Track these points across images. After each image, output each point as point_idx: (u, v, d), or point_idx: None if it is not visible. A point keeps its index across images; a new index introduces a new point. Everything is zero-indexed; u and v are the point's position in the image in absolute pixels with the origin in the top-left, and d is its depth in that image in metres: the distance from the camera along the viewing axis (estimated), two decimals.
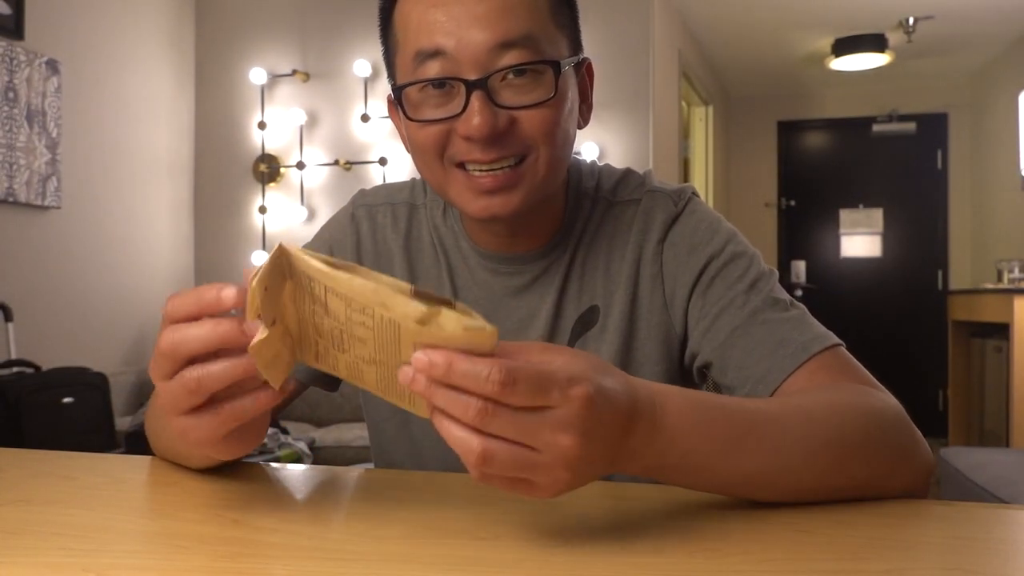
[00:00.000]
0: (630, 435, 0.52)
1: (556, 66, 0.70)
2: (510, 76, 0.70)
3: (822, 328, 0.76)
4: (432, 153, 0.74)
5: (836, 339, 0.75)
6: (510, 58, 0.69)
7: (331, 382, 0.90)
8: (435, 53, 0.70)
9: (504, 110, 0.70)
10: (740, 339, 0.76)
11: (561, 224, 0.85)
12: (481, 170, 0.73)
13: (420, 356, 0.46)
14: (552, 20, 0.73)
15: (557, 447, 0.47)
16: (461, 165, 0.74)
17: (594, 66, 0.83)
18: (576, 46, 0.78)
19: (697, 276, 0.81)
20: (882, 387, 0.72)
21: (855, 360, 0.75)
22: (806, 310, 0.79)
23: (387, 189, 0.94)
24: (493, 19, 0.69)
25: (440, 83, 0.71)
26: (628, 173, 0.89)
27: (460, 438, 0.47)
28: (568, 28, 0.76)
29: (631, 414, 0.51)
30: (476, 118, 0.69)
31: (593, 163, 0.91)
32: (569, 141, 0.77)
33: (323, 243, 0.93)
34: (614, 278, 0.84)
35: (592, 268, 0.85)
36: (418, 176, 0.88)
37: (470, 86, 0.69)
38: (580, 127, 0.81)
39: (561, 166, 0.77)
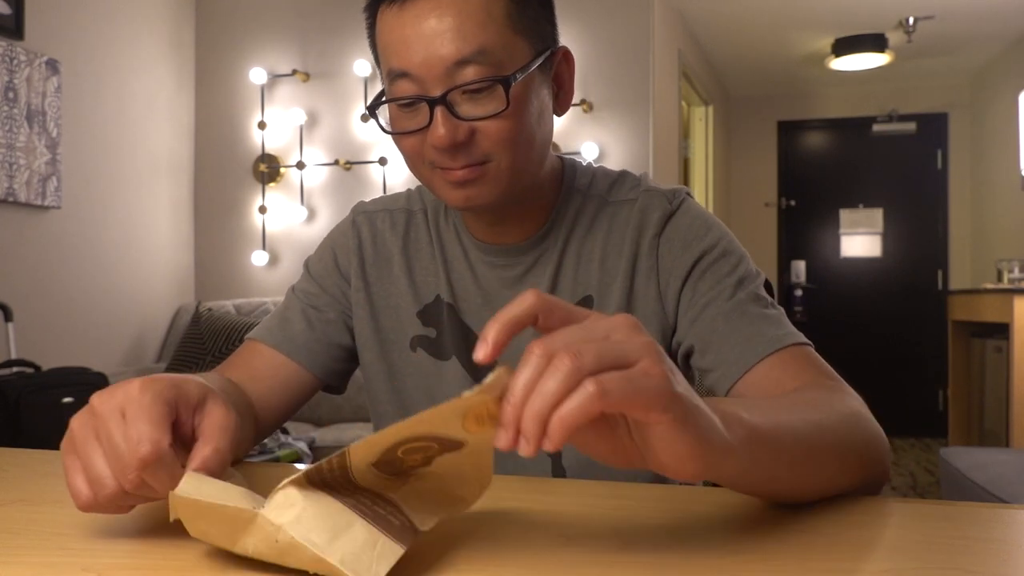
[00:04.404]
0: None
1: (506, 81, 0.75)
2: (468, 91, 0.76)
3: (795, 329, 0.82)
4: (414, 158, 0.82)
5: (806, 340, 0.81)
6: (466, 75, 0.75)
7: (337, 386, 0.97)
8: (403, 74, 0.77)
9: (464, 122, 0.76)
10: (721, 326, 0.82)
11: (549, 216, 0.90)
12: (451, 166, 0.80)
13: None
14: (509, 27, 0.77)
15: (632, 339, 0.44)
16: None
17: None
18: (545, 41, 0.81)
19: (689, 269, 0.86)
20: (845, 384, 0.75)
21: (821, 359, 0.80)
22: (784, 312, 0.85)
23: (384, 199, 1.01)
24: (448, 38, 0.75)
25: (408, 102, 0.78)
26: (624, 174, 0.95)
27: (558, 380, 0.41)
28: (532, 29, 0.79)
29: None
30: (439, 130, 0.76)
31: (589, 164, 0.96)
32: (535, 141, 0.81)
33: (327, 249, 0.99)
34: (610, 271, 0.89)
35: (587, 261, 0.90)
36: (414, 184, 0.97)
37: (432, 103, 0.76)
38: (558, 114, 0.87)
39: (529, 164, 0.82)
